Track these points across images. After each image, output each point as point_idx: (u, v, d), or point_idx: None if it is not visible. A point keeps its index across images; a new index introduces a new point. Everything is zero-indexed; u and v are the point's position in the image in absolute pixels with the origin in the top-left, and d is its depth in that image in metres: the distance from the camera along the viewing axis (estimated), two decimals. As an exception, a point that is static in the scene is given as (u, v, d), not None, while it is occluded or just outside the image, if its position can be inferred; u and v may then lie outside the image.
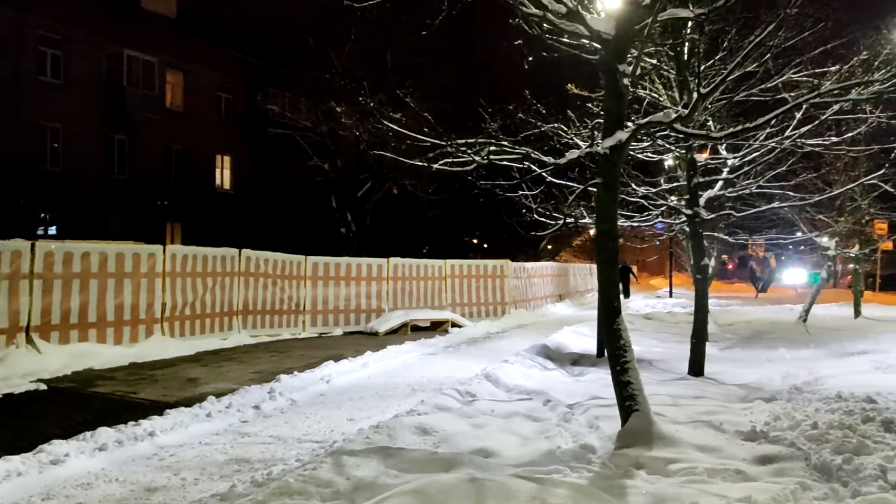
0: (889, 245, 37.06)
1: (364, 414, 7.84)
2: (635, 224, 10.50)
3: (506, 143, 5.95)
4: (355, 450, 5.52)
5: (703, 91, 6.02)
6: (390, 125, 6.71)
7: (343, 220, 29.13)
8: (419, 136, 5.96)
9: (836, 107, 9.42)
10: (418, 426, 6.65)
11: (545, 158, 6.16)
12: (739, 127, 7.32)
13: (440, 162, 6.29)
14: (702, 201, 9.80)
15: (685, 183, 9.76)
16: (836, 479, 5.36)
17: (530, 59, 7.19)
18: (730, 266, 69.36)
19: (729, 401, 8.34)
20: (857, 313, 20.81)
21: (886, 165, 11.75)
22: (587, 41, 6.41)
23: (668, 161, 10.69)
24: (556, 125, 8.19)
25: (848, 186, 11.08)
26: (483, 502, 3.83)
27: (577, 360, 11.38)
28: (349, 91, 18.67)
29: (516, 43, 6.87)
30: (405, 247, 29.45)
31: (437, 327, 17.56)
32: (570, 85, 9.47)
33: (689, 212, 9.64)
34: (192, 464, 5.92)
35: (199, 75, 30.03)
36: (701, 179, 9.69)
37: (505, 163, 6.89)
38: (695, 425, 6.80)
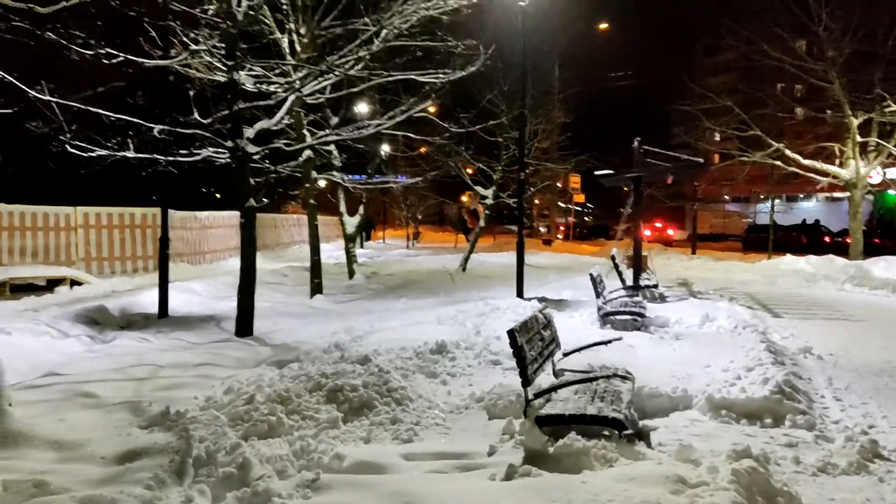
0: (581, 197, 40.12)
1: None
2: (186, 160, 8.66)
3: None
4: None
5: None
6: None
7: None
8: None
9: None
10: None
11: None
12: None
13: None
14: (250, 133, 8.26)
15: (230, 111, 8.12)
16: (196, 477, 4.11)
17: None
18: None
19: (241, 366, 7.01)
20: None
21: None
22: None
23: (248, 85, 8.99)
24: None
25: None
26: None
27: (132, 322, 9.52)
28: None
29: None
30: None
31: (55, 285, 14.73)
32: None
33: (230, 144, 8.06)
34: None
35: None
36: (243, 106, 8.10)
37: None
38: (110, 409, 5.27)
